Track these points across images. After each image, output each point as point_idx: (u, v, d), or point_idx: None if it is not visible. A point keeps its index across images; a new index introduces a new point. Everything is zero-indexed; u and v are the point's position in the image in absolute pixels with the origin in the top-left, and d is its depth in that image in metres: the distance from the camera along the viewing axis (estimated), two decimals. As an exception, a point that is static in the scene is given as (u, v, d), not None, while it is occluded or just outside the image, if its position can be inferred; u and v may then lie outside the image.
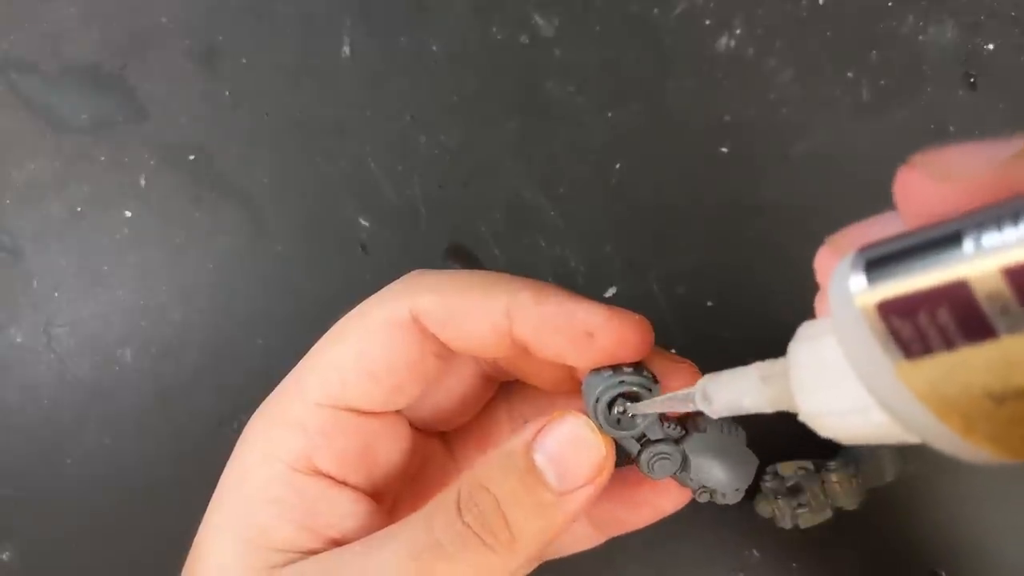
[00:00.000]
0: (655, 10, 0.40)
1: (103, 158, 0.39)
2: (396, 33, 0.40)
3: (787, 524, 0.37)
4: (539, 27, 0.40)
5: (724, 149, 0.40)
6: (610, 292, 0.40)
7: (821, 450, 0.40)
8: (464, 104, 0.40)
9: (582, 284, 0.40)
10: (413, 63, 0.40)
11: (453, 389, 0.28)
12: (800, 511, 0.37)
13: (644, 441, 0.24)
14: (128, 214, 0.39)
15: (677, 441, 0.24)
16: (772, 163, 0.40)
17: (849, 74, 0.41)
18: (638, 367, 0.23)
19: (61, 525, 0.38)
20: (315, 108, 0.39)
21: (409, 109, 0.40)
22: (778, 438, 0.40)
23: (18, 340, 0.39)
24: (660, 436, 0.24)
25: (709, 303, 0.40)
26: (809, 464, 0.38)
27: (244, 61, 0.39)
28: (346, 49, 0.40)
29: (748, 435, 0.42)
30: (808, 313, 0.43)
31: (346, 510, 0.25)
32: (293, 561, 0.23)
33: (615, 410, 0.23)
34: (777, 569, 0.39)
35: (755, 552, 0.39)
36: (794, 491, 0.37)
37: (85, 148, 0.39)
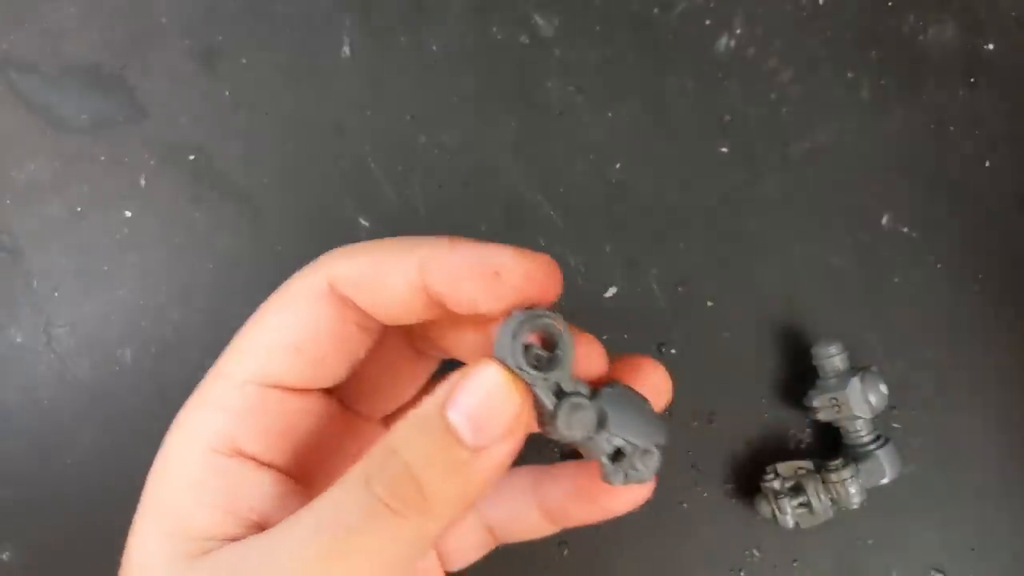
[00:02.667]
0: (655, 10, 0.40)
1: (103, 158, 0.39)
2: (396, 33, 0.40)
3: (788, 524, 0.37)
4: (539, 27, 0.40)
5: (724, 149, 0.40)
6: (610, 292, 0.40)
7: (821, 450, 0.40)
8: (464, 104, 0.40)
9: (582, 284, 0.40)
10: (413, 63, 0.40)
11: (383, 367, 0.27)
12: (800, 511, 0.37)
13: (559, 393, 0.23)
14: (128, 214, 0.39)
15: (590, 399, 0.23)
16: (772, 163, 0.40)
17: (849, 74, 0.41)
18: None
19: (61, 525, 0.38)
20: (315, 108, 0.39)
21: (409, 109, 0.40)
22: (778, 438, 0.40)
23: (18, 340, 0.39)
24: (573, 389, 0.23)
25: (709, 303, 0.40)
26: (809, 464, 0.38)
27: (244, 61, 0.39)
28: (346, 49, 0.40)
29: (748, 436, 0.42)
30: (806, 312, 0.43)
31: (268, 491, 0.24)
32: (213, 549, 0.22)
33: (532, 351, 0.22)
34: (778, 568, 0.39)
35: (755, 552, 0.39)
36: (794, 491, 0.37)
37: (85, 148, 0.39)
